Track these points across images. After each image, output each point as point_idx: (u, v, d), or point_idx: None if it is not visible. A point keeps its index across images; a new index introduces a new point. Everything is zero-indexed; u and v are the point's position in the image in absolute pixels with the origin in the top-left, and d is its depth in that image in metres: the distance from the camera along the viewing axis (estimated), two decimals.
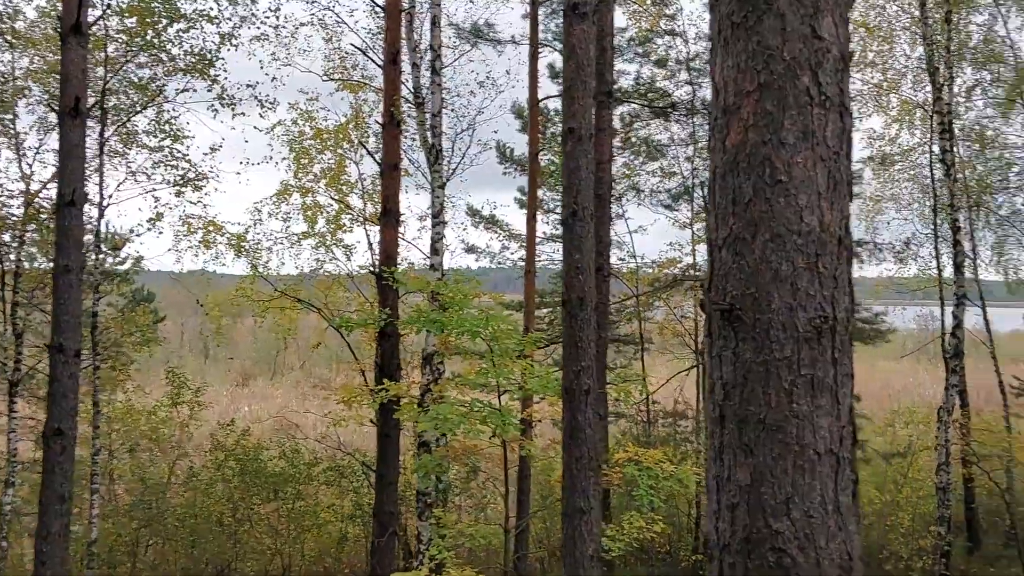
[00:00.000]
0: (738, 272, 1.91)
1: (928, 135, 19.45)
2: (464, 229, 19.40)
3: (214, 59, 13.79)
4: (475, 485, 16.54)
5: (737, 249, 1.92)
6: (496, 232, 19.26)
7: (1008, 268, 23.98)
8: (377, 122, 14.38)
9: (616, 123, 19.58)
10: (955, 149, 20.54)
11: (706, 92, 24.02)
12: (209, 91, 13.78)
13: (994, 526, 20.02)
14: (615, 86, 17.62)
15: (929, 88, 19.72)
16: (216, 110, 13.65)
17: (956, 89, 21.98)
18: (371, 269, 13.07)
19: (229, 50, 13.86)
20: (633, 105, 17.25)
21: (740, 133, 1.94)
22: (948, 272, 17.73)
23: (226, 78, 13.89)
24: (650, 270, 19.25)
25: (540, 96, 13.43)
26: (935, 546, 15.95)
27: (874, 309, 17.16)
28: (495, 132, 41.29)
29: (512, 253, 19.18)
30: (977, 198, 22.83)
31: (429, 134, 11.79)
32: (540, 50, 13.47)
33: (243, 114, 13.85)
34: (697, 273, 18.53)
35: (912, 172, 20.62)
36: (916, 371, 33.06)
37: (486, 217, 18.91)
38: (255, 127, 18.06)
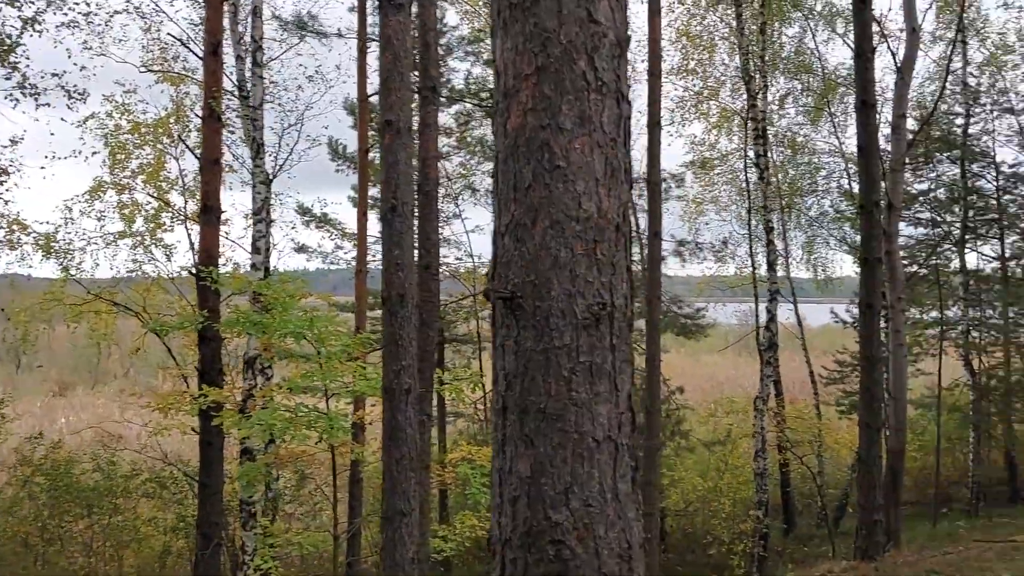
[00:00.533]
0: (519, 259, 1.87)
1: (744, 140, 20.57)
2: (294, 228, 18.81)
3: (14, 45, 12.73)
4: (307, 492, 16.09)
5: (518, 236, 1.88)
6: (329, 231, 18.82)
7: (817, 266, 25.87)
8: (197, 115, 13.73)
9: (452, 122, 19.63)
10: (769, 154, 21.89)
11: None
12: (8, 79, 12.71)
13: (808, 508, 21.49)
14: (445, 84, 17.64)
15: (745, 96, 20.92)
16: (17, 100, 12.62)
17: (770, 97, 23.44)
18: (190, 270, 12.43)
19: (32, 36, 12.85)
20: (467, 104, 17.29)
21: (520, 117, 1.90)
22: (763, 270, 18.89)
23: (28, 66, 12.84)
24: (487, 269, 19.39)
25: (369, 91, 13.20)
26: (754, 529, 16.92)
27: (696, 305, 18.04)
28: (325, 128, 40.32)
29: (346, 253, 18.81)
30: (789, 200, 24.44)
31: (251, 127, 11.33)
32: (368, 44, 13.23)
33: (48, 105, 12.86)
34: None
35: (730, 176, 21.81)
36: (738, 364, 35.03)
37: (317, 216, 18.43)
38: (63, 119, 16.82)
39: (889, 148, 15.24)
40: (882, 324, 14.92)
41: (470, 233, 20.10)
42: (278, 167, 15.82)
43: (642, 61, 20.89)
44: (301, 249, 19.71)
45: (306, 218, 19.06)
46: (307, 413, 9.31)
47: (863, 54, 11.06)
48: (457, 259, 18.89)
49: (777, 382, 20.74)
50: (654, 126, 11.69)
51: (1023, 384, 22.16)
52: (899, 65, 14.57)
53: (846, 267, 29.63)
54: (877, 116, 14.71)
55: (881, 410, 11.80)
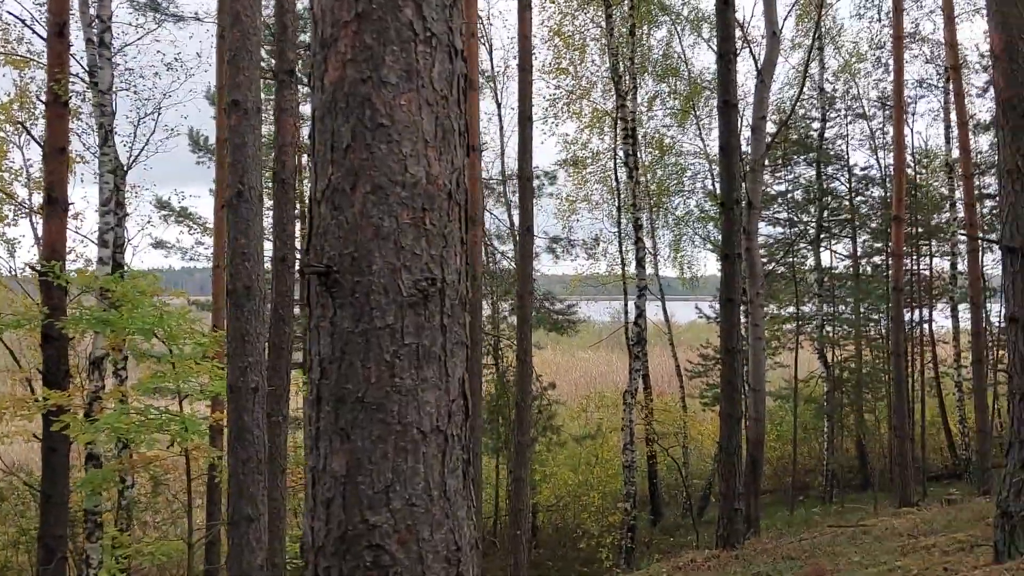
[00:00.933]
0: (337, 229, 1.65)
1: (615, 140, 20.89)
2: (150, 222, 17.80)
3: None
4: (164, 499, 15.27)
5: (336, 203, 1.66)
6: (189, 226, 17.92)
7: (683, 264, 26.62)
8: (43, 101, 12.75)
9: None
10: (638, 154, 22.33)
11: None
12: None
13: (674, 498, 22.06)
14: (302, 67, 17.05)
15: (615, 96, 21.23)
16: None
17: (640, 99, 23.92)
18: (33, 266, 11.52)
19: None
20: None
21: (338, 70, 1.68)
22: (632, 267, 19.24)
23: None
24: None
25: None
26: (623, 521, 17.20)
27: (568, 301, 18.23)
28: (185, 118, 38.54)
29: (206, 249, 17.94)
30: (657, 200, 25.03)
31: (99, 112, 10.57)
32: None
33: None
34: None
35: (602, 175, 22.12)
36: (611, 359, 35.73)
37: (176, 210, 17.52)
38: None
39: (749, 149, 15.74)
40: (742, 319, 15.43)
41: None
42: (133, 158, 14.94)
43: (513, 57, 20.91)
44: (159, 245, 18.72)
45: (164, 212, 18.10)
46: (158, 416, 8.74)
47: (726, 55, 11.35)
48: None
49: (646, 376, 21.19)
50: (525, 121, 11.64)
51: (873, 376, 23.48)
52: (760, 68, 15.08)
53: (710, 266, 30.66)
54: (739, 118, 15.24)
55: (741, 401, 12.17)
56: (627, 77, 20.43)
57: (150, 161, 19.09)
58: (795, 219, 24.76)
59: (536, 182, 18.34)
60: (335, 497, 1.60)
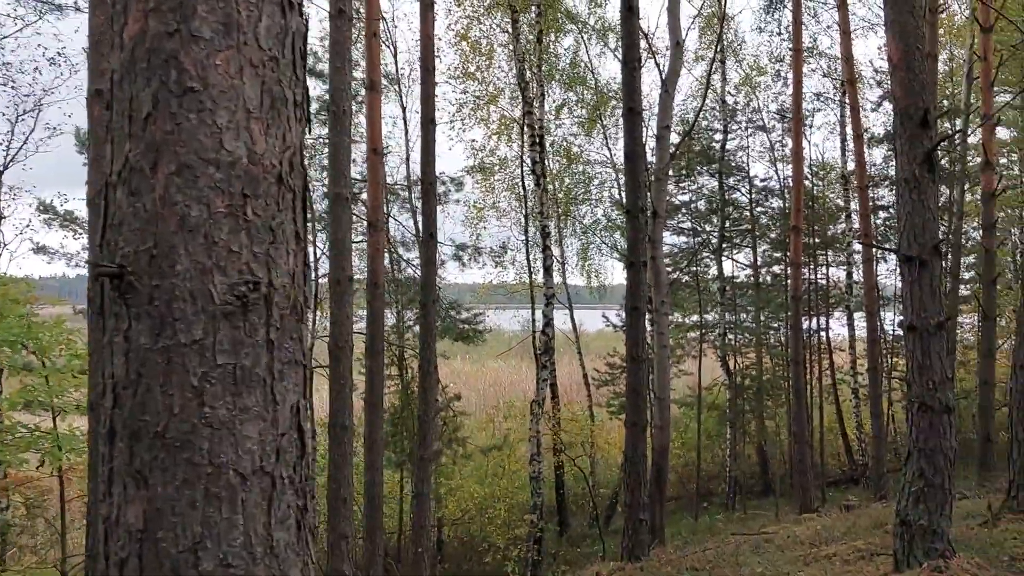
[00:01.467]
0: (134, 219, 1.29)
1: (522, 147, 20.76)
2: (28, 225, 16.68)
3: None
4: (44, 520, 14.25)
5: (134, 186, 1.30)
6: (74, 231, 16.90)
7: (591, 273, 26.69)
8: None
9: None
10: (546, 162, 22.26)
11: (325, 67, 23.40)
12: None
13: (582, 508, 21.98)
14: None
15: (522, 103, 21.11)
16: None
17: (547, 106, 23.88)
18: None
19: None
20: None
21: (139, 21, 1.33)
22: (540, 276, 19.10)
23: None
24: None
25: None
26: (529, 533, 16.98)
27: (474, 310, 17.94)
28: (70, 116, 36.31)
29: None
30: (565, 208, 25.03)
31: None
32: None
33: None
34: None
35: (509, 182, 21.94)
36: (521, 369, 35.61)
37: (60, 213, 16.50)
38: None
39: (654, 159, 15.80)
40: (648, 327, 15.44)
41: None
42: (11, 157, 13.97)
43: (419, 60, 20.59)
44: (41, 250, 17.58)
45: (47, 216, 17.03)
46: (27, 434, 8.06)
47: (630, 62, 11.28)
48: None
49: (554, 385, 21.08)
50: (428, 124, 11.32)
51: (773, 383, 23.98)
52: (664, 78, 15.15)
53: (617, 275, 30.93)
54: (644, 127, 15.26)
55: (646, 409, 12.09)
56: (534, 84, 20.35)
57: (30, 161, 17.94)
58: (698, 229, 25.15)
59: (442, 188, 18.04)
60: (130, 557, 1.25)
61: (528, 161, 19.14)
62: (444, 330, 16.03)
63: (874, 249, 21.23)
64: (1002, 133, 24.26)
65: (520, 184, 20.78)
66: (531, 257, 19.77)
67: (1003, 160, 24.89)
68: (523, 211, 20.41)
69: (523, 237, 21.35)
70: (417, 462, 11.05)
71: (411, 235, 17.64)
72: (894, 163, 7.20)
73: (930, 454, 6.96)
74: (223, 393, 1.27)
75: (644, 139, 13.43)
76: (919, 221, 6.97)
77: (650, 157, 16.84)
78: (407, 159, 19.59)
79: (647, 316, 14.42)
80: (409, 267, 17.94)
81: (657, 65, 16.55)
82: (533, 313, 19.15)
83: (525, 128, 18.83)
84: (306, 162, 1.45)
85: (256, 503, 1.28)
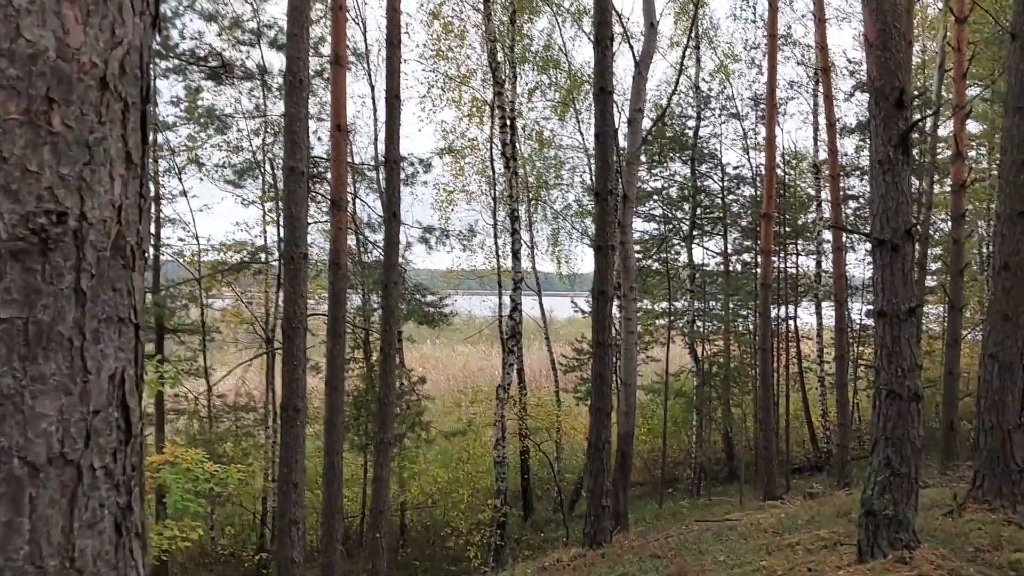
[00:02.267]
0: None
1: (491, 130, 20.41)
2: None
3: None
4: None
5: None
6: None
7: (562, 259, 26.45)
8: None
9: (180, 91, 17.71)
10: (517, 145, 21.93)
11: (269, 57, 22.70)
12: None
13: (547, 493, 21.81)
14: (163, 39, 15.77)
15: (494, 85, 20.74)
16: None
17: (520, 89, 23.53)
18: None
19: None
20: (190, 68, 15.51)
21: None
22: (508, 260, 18.82)
23: None
24: (217, 254, 17.70)
25: None
26: (492, 518, 16.76)
27: (440, 293, 17.59)
28: None
29: None
30: (536, 192, 24.75)
31: None
32: None
33: None
34: (272, 259, 17.44)
35: (480, 165, 21.59)
36: (490, 354, 35.38)
37: None
38: None
39: (626, 143, 15.54)
40: (616, 312, 15.24)
41: (196, 212, 18.41)
42: None
43: (382, 30, 20.18)
44: None
45: None
46: None
47: (602, 40, 10.99)
48: (181, 240, 17.09)
49: (520, 371, 20.85)
50: (393, 99, 10.96)
51: (740, 370, 23.93)
52: (637, 60, 14.88)
53: (588, 261, 30.69)
54: (618, 111, 14.99)
55: (611, 395, 11.89)
56: (506, 66, 20.00)
57: None
58: (670, 215, 24.98)
59: (410, 169, 17.66)
60: None
61: (498, 143, 18.78)
62: (409, 313, 15.70)
63: (844, 238, 21.19)
64: (972, 127, 24.35)
65: (490, 167, 20.41)
66: (499, 241, 19.47)
67: (971, 153, 24.98)
68: (493, 194, 20.05)
69: (492, 221, 21.06)
70: (376, 446, 10.76)
71: (378, 216, 17.25)
72: (867, 150, 7.04)
73: (897, 443, 6.78)
74: (8, 356, 0.96)
75: (616, 122, 13.18)
76: (892, 204, 6.76)
77: (622, 141, 16.60)
78: (375, 139, 19.18)
79: (615, 302, 14.20)
80: (376, 249, 17.54)
81: (631, 48, 16.28)
82: (500, 298, 18.87)
83: (496, 110, 18.45)
84: (145, 68, 1.13)
85: (52, 501, 0.97)
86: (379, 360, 10.85)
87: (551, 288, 26.77)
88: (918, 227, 19.03)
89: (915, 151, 20.41)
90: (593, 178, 23.55)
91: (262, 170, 16.74)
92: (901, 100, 6.68)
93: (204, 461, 9.36)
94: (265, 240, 17.43)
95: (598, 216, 11.33)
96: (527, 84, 23.59)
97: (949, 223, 21.01)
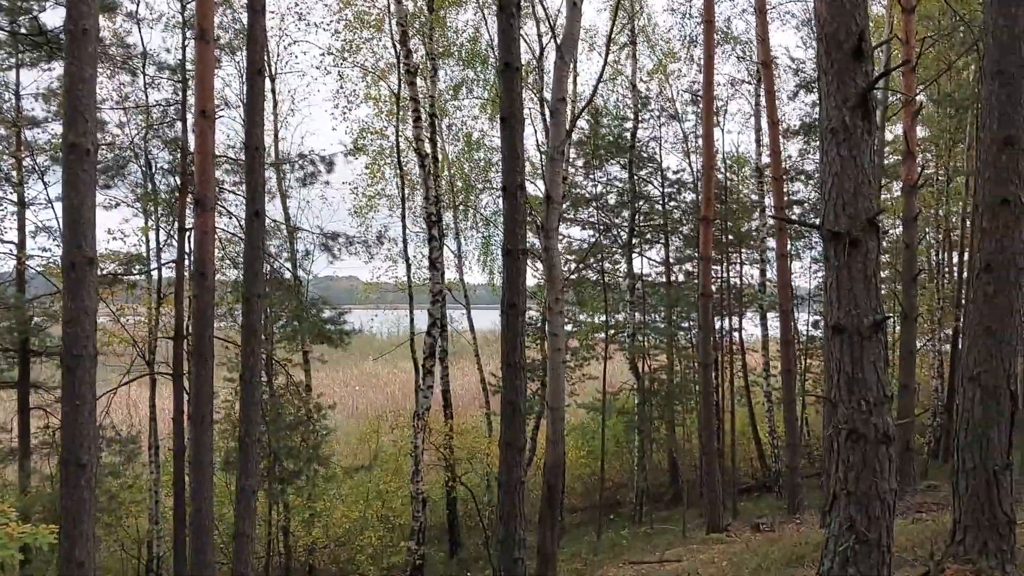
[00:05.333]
0: None
1: (398, 125, 18.58)
2: None
3: None
4: None
5: None
6: None
7: (494, 268, 24.72)
8: None
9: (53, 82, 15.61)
10: (440, 144, 20.22)
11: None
12: None
13: (479, 525, 19.96)
14: None
15: (420, 82, 19.06)
16: None
17: (442, 85, 21.82)
18: None
19: None
20: None
21: None
22: (424, 271, 17.04)
23: None
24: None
25: None
26: (406, 563, 14.90)
27: (340, 308, 15.63)
28: None
29: None
30: (465, 198, 23.04)
31: None
32: None
33: None
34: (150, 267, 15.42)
35: (401, 168, 19.66)
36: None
37: None
38: None
39: (549, 136, 13.91)
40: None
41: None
42: None
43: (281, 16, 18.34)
44: None
45: None
46: None
47: (506, 7, 9.30)
48: (45, 250, 14.93)
49: (447, 392, 19.07)
50: (255, 75, 9.16)
51: (683, 386, 22.39)
52: (559, 44, 13.26)
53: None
54: (544, 101, 13.39)
55: (524, 426, 10.16)
56: (420, 53, 18.29)
57: None
58: (609, 222, 23.46)
59: (310, 168, 15.81)
60: None
61: (411, 138, 16.98)
62: (303, 331, 13.81)
63: (788, 245, 19.84)
64: (918, 132, 23.28)
65: (411, 166, 18.49)
66: (410, 250, 17.65)
67: (918, 158, 23.95)
68: (401, 195, 18.23)
69: (414, 227, 19.32)
70: (238, 495, 8.88)
71: (274, 221, 15.37)
72: (813, 150, 5.53)
73: (862, 499, 5.19)
74: None
75: (523, 101, 11.59)
76: (850, 186, 5.18)
77: (543, 136, 14.98)
78: (275, 137, 17.34)
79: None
80: (276, 261, 15.61)
81: (552, 29, 14.69)
82: (412, 312, 17.03)
83: (410, 102, 16.69)
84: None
85: None
86: (240, 389, 8.97)
87: (480, 301, 25.00)
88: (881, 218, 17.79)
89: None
90: (503, 172, 21.87)
91: (140, 165, 14.77)
92: (860, 48, 5.11)
93: (7, 522, 7.38)
94: (147, 249, 15.45)
95: (507, 215, 9.62)
96: (452, 79, 21.93)
97: (899, 227, 19.83)
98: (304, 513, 14.79)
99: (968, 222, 23.03)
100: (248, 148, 9.13)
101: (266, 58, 16.79)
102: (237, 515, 8.93)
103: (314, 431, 13.59)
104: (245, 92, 9.18)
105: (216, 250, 11.84)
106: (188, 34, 14.24)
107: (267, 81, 16.84)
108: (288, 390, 15.22)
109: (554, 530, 13.41)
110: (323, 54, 18.54)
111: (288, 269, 14.89)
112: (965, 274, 22.84)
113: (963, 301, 23.30)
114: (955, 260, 25.18)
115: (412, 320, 16.84)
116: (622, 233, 23.07)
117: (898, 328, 18.38)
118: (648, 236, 24.08)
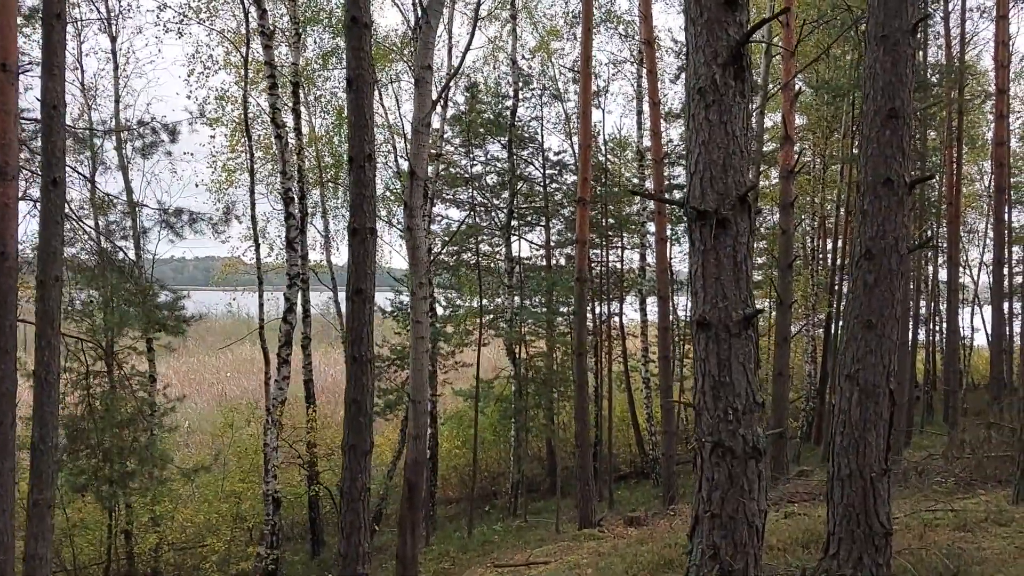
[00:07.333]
0: None
1: (272, 97, 17.12)
2: None
3: None
4: None
5: None
6: None
7: None
8: None
9: None
10: (307, 116, 18.86)
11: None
12: None
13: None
14: None
15: (285, 49, 17.64)
16: None
17: (309, 54, 20.43)
18: None
19: None
20: None
21: None
22: (278, 250, 15.75)
23: None
24: None
25: None
26: (255, 568, 13.67)
27: (177, 292, 14.07)
28: None
29: None
30: (335, 174, 21.73)
31: None
32: None
33: None
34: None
35: (249, 138, 18.11)
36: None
37: None
38: None
39: (414, 107, 12.84)
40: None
41: None
42: None
43: None
44: None
45: None
46: None
47: None
48: None
49: (309, 382, 17.81)
50: (51, 19, 7.75)
51: (561, 374, 21.77)
52: (425, 6, 12.18)
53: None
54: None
55: (371, 427, 9.13)
56: (286, 19, 16.86)
57: None
58: (488, 203, 22.56)
59: (151, 137, 14.21)
60: None
61: (265, 106, 15.58)
62: (136, 317, 12.33)
63: (668, 229, 19.45)
64: (796, 120, 23.33)
65: (245, 135, 16.96)
66: (271, 229, 16.30)
67: (796, 147, 24.08)
68: (248, 167, 16.78)
69: (274, 205, 17.87)
70: (29, 510, 7.54)
71: (108, 195, 13.74)
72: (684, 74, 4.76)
73: (728, 523, 4.44)
74: None
75: (372, 61, 10.47)
76: (719, 156, 4.39)
77: (409, 107, 13.89)
78: (116, 102, 15.61)
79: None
80: (110, 239, 13.97)
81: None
82: (261, 297, 15.68)
83: (264, 67, 15.27)
84: None
85: None
86: (33, 387, 7.59)
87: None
88: (753, 196, 17.53)
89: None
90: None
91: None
92: None
93: None
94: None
95: (352, 189, 8.53)
96: (321, 48, 20.52)
97: (776, 213, 19.71)
98: (144, 516, 13.34)
99: (842, 209, 23.26)
100: (44, 105, 7.72)
101: (104, 12, 15.09)
102: (29, 534, 7.59)
103: (146, 428, 12.16)
104: (41, 40, 7.73)
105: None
106: None
107: (107, 41, 15.16)
108: (126, 383, 13.67)
109: (415, 533, 12.40)
110: (170, 11, 16.77)
111: (123, 249, 13.30)
112: (840, 261, 23.13)
113: (835, 288, 23.69)
114: (829, 247, 25.51)
115: (261, 305, 15.47)
116: (501, 215, 22.24)
117: (773, 314, 18.20)
118: (529, 218, 23.34)
